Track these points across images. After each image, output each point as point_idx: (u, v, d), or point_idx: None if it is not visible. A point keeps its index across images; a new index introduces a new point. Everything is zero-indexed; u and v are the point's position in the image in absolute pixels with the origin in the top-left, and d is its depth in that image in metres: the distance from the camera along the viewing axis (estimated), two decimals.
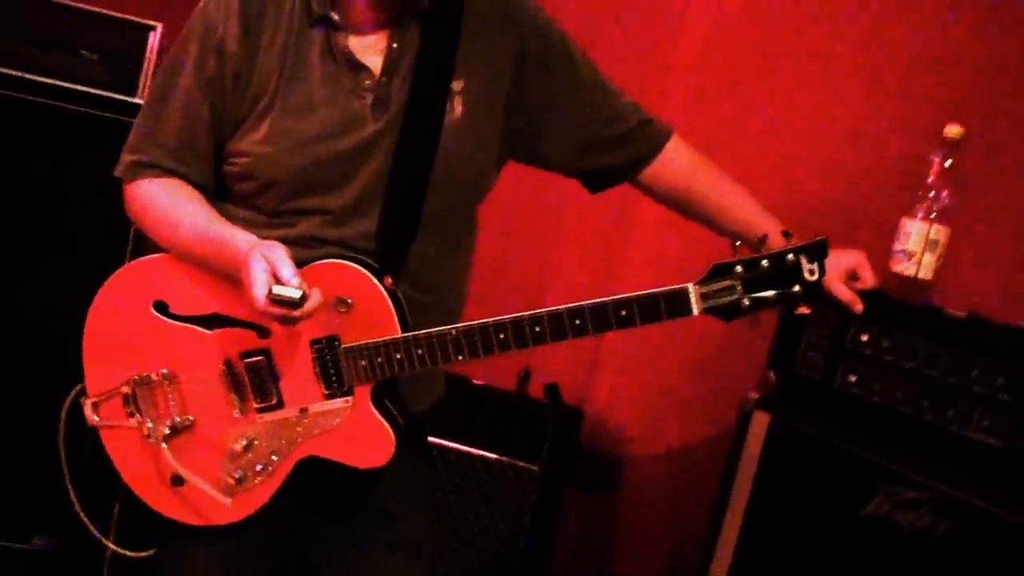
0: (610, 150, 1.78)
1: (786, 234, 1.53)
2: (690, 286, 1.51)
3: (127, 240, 2.51)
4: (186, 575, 1.73)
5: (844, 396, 1.96)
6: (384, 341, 1.57)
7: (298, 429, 1.62)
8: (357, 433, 1.61)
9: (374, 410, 1.60)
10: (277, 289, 1.47)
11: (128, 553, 1.76)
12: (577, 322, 1.52)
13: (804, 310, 1.52)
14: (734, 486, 2.05)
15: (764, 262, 1.50)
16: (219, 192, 1.70)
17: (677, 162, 1.80)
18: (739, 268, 1.51)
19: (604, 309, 1.52)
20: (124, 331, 1.68)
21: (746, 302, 1.51)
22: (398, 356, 1.57)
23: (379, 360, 1.57)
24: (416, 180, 1.64)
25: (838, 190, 2.45)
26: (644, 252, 2.80)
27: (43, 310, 2.62)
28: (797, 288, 1.50)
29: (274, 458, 1.63)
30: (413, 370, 1.58)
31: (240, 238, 1.58)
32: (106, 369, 1.69)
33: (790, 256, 1.50)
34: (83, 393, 1.71)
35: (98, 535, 1.74)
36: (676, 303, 1.51)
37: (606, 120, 1.77)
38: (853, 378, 1.94)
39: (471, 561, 2.59)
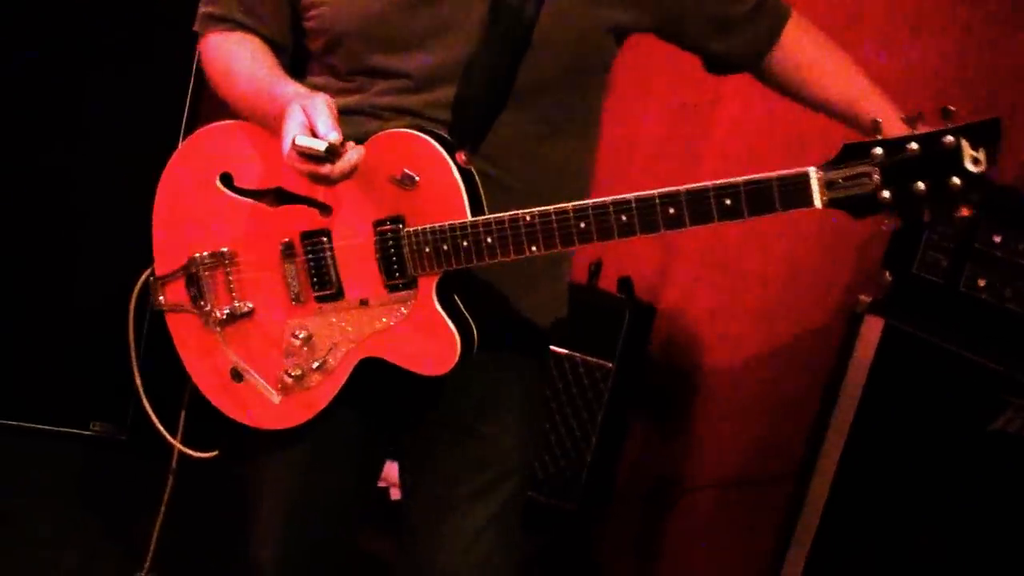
0: (736, 32, 1.48)
1: (946, 111, 1.12)
2: (811, 170, 1.17)
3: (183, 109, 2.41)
4: (267, 483, 1.57)
5: (970, 301, 1.73)
6: (451, 225, 1.32)
7: (358, 324, 1.40)
8: (419, 333, 1.37)
9: (438, 307, 1.36)
10: (301, 139, 1.25)
11: (193, 453, 1.59)
12: (671, 211, 1.22)
13: (964, 212, 1.12)
14: (840, 399, 1.82)
15: (913, 144, 1.12)
16: (301, 63, 1.50)
17: (795, 50, 1.49)
18: (878, 150, 1.14)
19: (704, 196, 1.20)
20: (190, 206, 1.50)
21: (885, 194, 1.14)
22: (464, 244, 1.31)
23: (444, 247, 1.32)
24: (511, 40, 1.35)
25: (972, 77, 2.14)
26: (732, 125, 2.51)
27: (88, 194, 2.52)
28: (956, 180, 1.10)
29: (333, 355, 1.42)
30: (482, 261, 1.32)
31: (288, 90, 1.37)
32: (172, 247, 1.52)
33: (948, 137, 1.10)
34: (153, 274, 1.54)
35: (163, 432, 1.58)
36: (793, 191, 1.17)
37: None
38: (982, 282, 1.72)
39: (538, 460, 2.41)
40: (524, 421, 1.57)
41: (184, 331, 1.54)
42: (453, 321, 1.36)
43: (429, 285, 1.36)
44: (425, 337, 1.37)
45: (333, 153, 1.26)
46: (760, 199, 1.19)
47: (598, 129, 1.54)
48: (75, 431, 2.62)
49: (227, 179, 1.48)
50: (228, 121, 1.50)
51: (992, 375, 1.69)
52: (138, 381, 1.59)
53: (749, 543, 2.37)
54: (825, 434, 1.88)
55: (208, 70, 1.52)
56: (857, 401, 1.85)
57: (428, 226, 1.34)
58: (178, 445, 1.59)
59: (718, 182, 1.20)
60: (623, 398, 2.48)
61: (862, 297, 1.89)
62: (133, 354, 1.59)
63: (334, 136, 1.26)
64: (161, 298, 1.54)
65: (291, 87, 1.39)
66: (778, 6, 1.52)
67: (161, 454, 2.09)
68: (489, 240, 1.31)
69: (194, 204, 1.50)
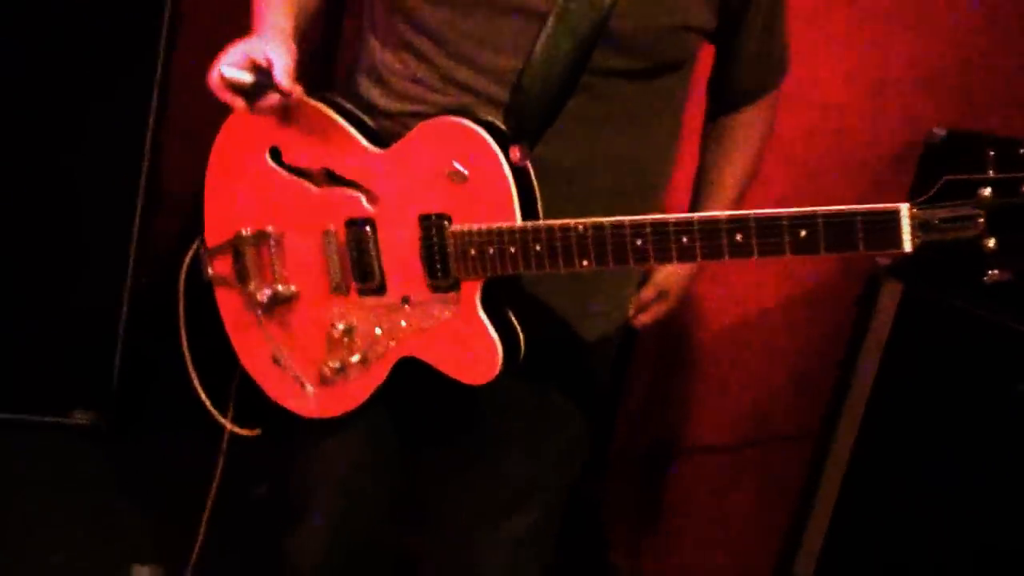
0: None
1: None
2: (903, 207, 1.02)
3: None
4: (310, 479, 1.54)
5: None
6: (498, 228, 1.22)
7: (399, 321, 1.32)
8: (462, 339, 1.28)
9: (481, 314, 1.26)
10: (228, 71, 1.25)
11: (239, 430, 1.55)
12: (739, 238, 1.09)
13: None
14: (857, 368, 1.72)
15: None
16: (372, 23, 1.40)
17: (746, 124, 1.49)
18: (986, 190, 0.98)
19: (776, 225, 1.07)
20: (238, 177, 1.42)
21: (989, 243, 0.99)
22: (512, 250, 1.21)
23: (490, 251, 1.22)
24: (585, 26, 1.23)
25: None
26: None
27: (61, 179, 2.36)
28: None
29: (373, 350, 1.35)
30: (529, 270, 1.22)
31: (268, 23, 1.31)
32: (221, 219, 1.45)
33: None
34: (203, 245, 1.49)
35: (215, 412, 1.53)
36: (880, 229, 1.03)
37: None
38: None
39: None
40: (566, 441, 1.50)
41: (230, 306, 1.48)
42: (498, 330, 1.27)
43: (473, 289, 1.27)
44: (467, 344, 1.28)
45: (259, 87, 1.25)
46: (840, 235, 1.05)
47: (671, 130, 1.42)
48: (55, 420, 2.46)
49: (276, 153, 1.40)
50: None
51: (1015, 336, 1.60)
52: (189, 361, 1.54)
53: (758, 509, 2.29)
54: (844, 402, 1.80)
55: None
56: (877, 365, 1.77)
57: (474, 227, 1.24)
58: (222, 420, 1.55)
59: (794, 211, 1.07)
60: (620, 363, 2.39)
61: (880, 260, 1.78)
62: (183, 332, 1.54)
63: (283, 73, 1.24)
64: (209, 271, 1.48)
65: (275, 19, 1.33)
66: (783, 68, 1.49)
67: (146, 442, 2.00)
68: (538, 248, 1.21)
69: (242, 176, 1.42)
